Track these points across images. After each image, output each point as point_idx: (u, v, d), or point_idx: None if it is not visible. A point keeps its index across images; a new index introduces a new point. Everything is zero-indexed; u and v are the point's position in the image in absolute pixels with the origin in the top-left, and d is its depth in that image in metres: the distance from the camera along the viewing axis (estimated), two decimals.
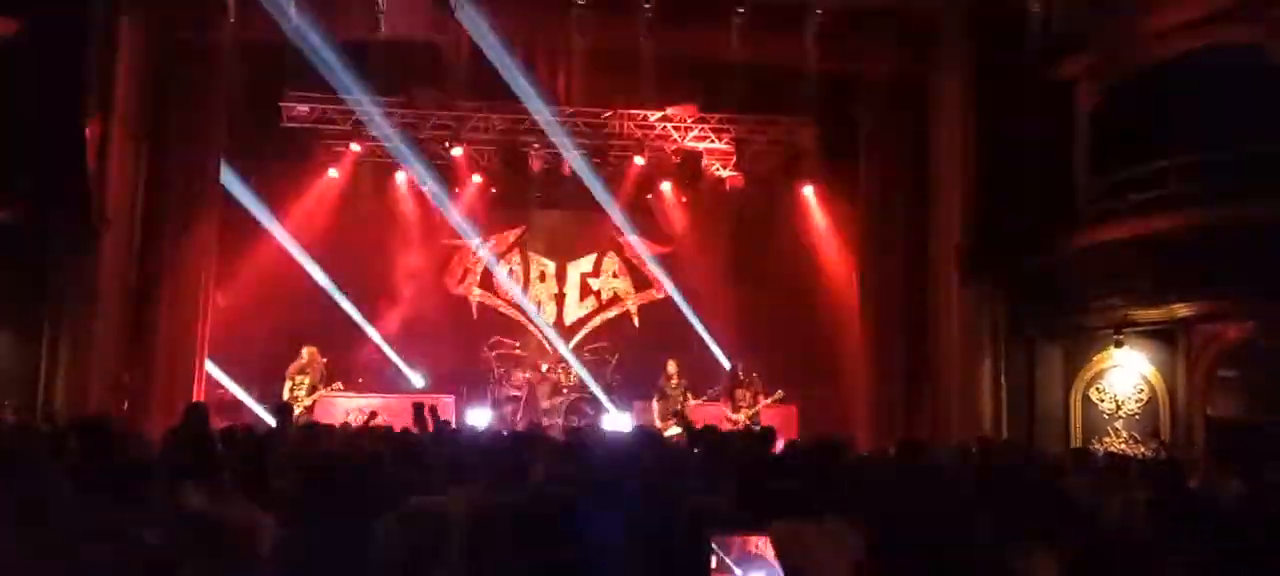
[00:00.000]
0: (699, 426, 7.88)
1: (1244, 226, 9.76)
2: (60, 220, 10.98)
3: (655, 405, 13.63)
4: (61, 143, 10.87)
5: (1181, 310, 11.07)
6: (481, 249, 16.21)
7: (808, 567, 2.44)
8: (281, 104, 14.19)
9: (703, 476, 4.75)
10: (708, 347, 15.19)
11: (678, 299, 15.69)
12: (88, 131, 11.11)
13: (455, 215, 15.57)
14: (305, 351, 12.99)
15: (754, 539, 2.59)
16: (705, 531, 2.53)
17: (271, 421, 9.99)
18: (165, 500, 3.20)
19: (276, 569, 3.50)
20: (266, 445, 5.82)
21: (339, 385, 13.27)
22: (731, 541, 2.57)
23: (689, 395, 13.55)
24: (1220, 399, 11.10)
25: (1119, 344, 11.58)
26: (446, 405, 12.73)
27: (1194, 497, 3.88)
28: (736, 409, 12.91)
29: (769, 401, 12.92)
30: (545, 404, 14.81)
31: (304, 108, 14.31)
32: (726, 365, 14.32)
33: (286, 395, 12.44)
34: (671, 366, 13.76)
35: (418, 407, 8.24)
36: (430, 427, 7.73)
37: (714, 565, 2.55)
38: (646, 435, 6.55)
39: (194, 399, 11.74)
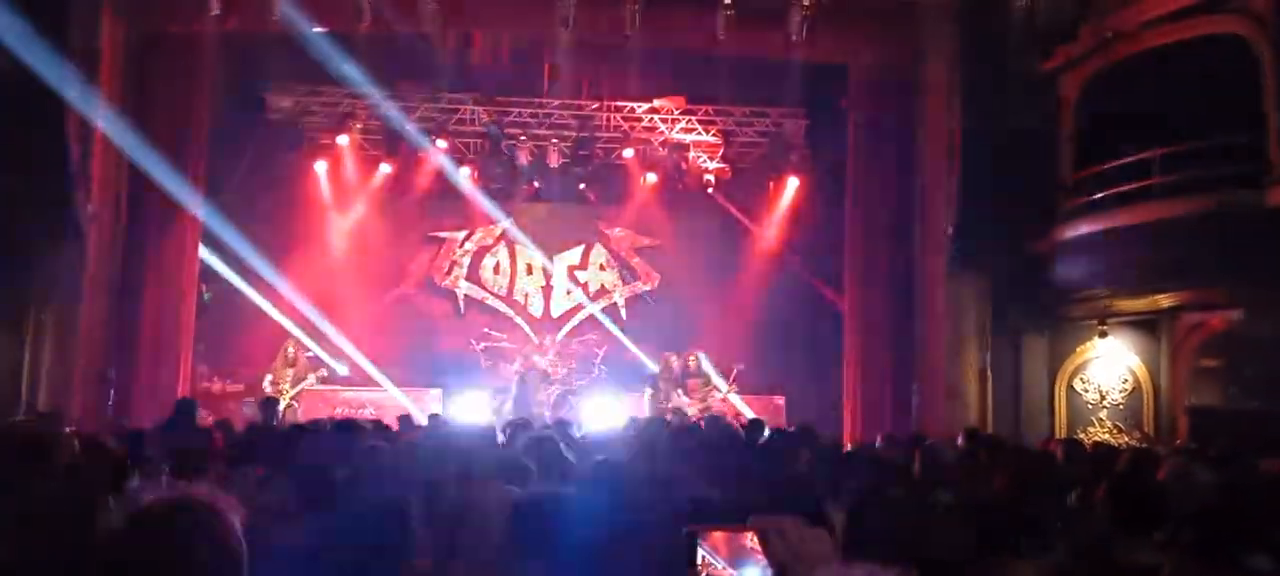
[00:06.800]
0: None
1: (1227, 217, 9.80)
2: (43, 214, 10.89)
3: (646, 397, 13.60)
4: (43, 136, 10.76)
5: (1165, 300, 11.12)
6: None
7: (793, 562, 2.39)
8: (265, 96, 14.09)
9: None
10: (693, 340, 15.12)
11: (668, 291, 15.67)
12: (70, 124, 11.00)
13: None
14: (289, 346, 12.98)
15: (743, 534, 2.50)
16: (685, 525, 2.48)
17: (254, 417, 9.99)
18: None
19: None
20: (254, 438, 5.84)
21: (323, 372, 13.24)
22: (717, 536, 2.50)
23: (680, 387, 13.54)
24: (1203, 388, 11.17)
25: (1103, 334, 11.63)
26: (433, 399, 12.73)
27: (1158, 485, 3.89)
28: (692, 400, 13.17)
29: (721, 395, 13.30)
30: (535, 397, 14.69)
31: (287, 101, 14.22)
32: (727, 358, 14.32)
33: (269, 389, 12.39)
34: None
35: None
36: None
37: (701, 560, 2.47)
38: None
39: (179, 393, 11.68)
